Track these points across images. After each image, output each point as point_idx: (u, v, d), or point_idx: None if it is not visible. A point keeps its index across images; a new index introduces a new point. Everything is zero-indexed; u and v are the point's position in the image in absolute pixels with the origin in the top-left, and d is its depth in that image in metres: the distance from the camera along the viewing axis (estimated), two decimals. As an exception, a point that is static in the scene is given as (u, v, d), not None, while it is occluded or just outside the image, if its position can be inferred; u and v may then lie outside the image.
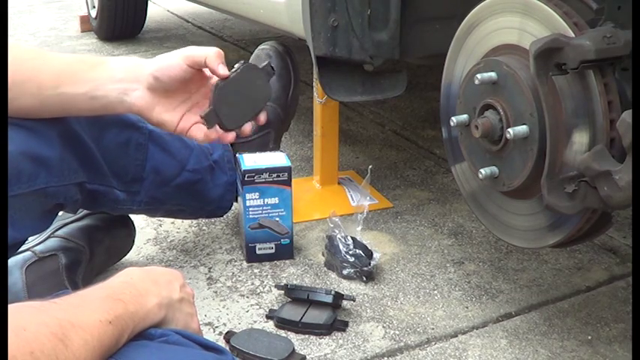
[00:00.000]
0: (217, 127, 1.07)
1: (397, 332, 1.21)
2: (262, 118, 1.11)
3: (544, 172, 0.93)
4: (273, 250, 1.42)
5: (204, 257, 1.44)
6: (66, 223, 1.31)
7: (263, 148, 1.49)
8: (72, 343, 0.65)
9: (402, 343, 1.18)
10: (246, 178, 1.37)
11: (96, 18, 3.34)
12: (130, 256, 1.42)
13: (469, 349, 1.17)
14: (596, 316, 1.25)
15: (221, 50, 1.04)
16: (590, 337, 1.19)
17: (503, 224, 1.11)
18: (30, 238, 1.24)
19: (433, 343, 1.19)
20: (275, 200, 1.39)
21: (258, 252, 1.42)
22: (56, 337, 0.64)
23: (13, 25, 3.67)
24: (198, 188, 1.36)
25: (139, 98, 1.03)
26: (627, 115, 0.83)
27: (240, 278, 1.37)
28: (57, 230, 1.29)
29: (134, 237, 1.43)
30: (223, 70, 1.03)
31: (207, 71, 1.08)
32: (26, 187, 1.05)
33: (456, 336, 1.21)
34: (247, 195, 1.38)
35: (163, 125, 1.07)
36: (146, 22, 3.38)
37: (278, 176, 1.38)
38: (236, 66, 1.06)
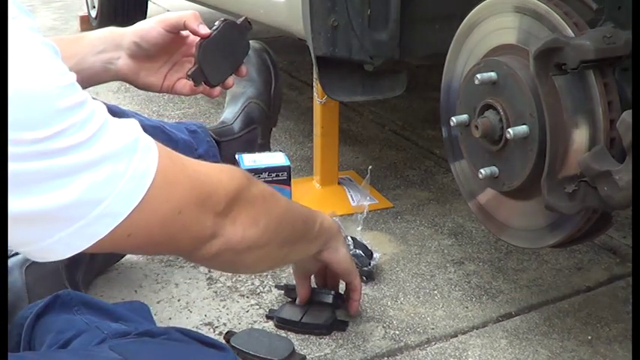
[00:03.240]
0: (203, 83, 1.12)
1: (397, 332, 1.21)
2: (243, 70, 1.17)
3: (544, 172, 0.93)
4: (273, 250, 1.42)
5: (204, 257, 1.44)
6: None
7: (251, 143, 1.50)
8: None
9: (402, 343, 1.18)
10: None
11: (96, 18, 3.34)
12: (130, 255, 1.42)
13: (469, 349, 1.17)
14: (596, 316, 1.25)
15: (196, 12, 1.09)
16: (590, 337, 1.19)
17: (504, 224, 1.11)
18: None
19: (433, 343, 1.19)
20: (275, 200, 1.39)
21: None
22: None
23: (13, 25, 3.67)
24: None
25: (124, 65, 1.07)
26: (627, 115, 0.83)
27: (240, 278, 1.37)
28: None
29: None
30: (204, 30, 1.08)
31: (184, 32, 1.13)
32: None
33: (456, 336, 1.21)
34: None
35: (150, 87, 1.13)
36: (146, 22, 3.38)
37: (277, 175, 1.38)
38: (216, 24, 1.11)
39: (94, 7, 3.35)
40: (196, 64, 1.08)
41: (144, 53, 1.09)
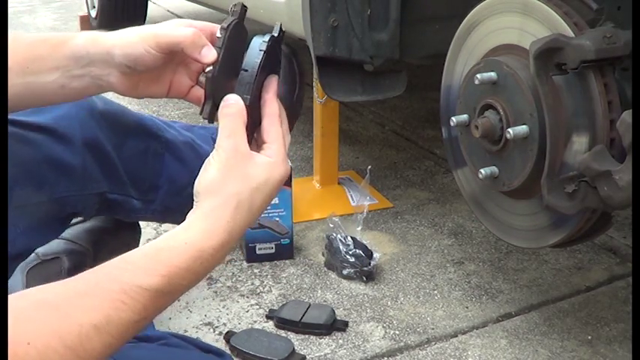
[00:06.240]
0: None
1: (397, 332, 1.21)
2: (274, 86, 0.96)
3: (544, 172, 0.93)
4: (273, 250, 1.42)
5: (204, 257, 1.44)
6: (72, 224, 1.28)
7: None
8: None
9: (402, 343, 1.18)
10: None
11: (96, 18, 3.34)
12: (130, 256, 1.42)
13: (469, 349, 1.17)
14: (596, 316, 1.25)
15: (195, 29, 0.84)
16: (590, 337, 1.19)
17: (504, 224, 1.11)
18: None
19: (433, 343, 1.19)
20: (275, 200, 1.39)
21: (258, 252, 1.42)
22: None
23: (13, 25, 3.67)
24: None
25: (117, 83, 0.89)
26: (627, 115, 0.83)
27: (240, 278, 1.37)
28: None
29: (139, 239, 1.42)
30: (209, 57, 0.83)
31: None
32: (47, 196, 1.04)
33: (456, 336, 1.21)
34: None
35: (153, 97, 0.99)
36: (146, 22, 3.38)
37: None
38: (219, 34, 0.84)
39: (94, 7, 3.35)
40: (208, 99, 0.82)
41: (138, 72, 0.89)
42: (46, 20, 3.87)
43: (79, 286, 0.64)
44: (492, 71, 1.00)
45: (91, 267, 1.33)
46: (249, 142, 0.77)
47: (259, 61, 0.80)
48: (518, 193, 1.04)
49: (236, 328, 1.21)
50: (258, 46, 0.80)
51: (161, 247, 0.69)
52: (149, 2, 3.35)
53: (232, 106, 0.77)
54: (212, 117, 0.87)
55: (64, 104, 1.18)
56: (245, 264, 1.42)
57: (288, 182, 1.39)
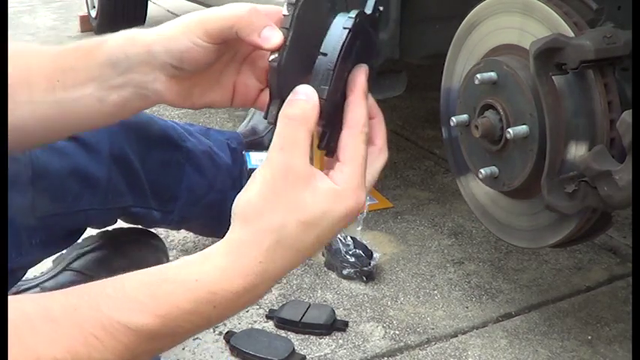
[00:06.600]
0: None
1: (397, 332, 1.21)
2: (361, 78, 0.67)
3: (544, 172, 0.93)
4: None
5: (204, 257, 1.44)
6: (82, 254, 1.20)
7: None
8: None
9: (402, 343, 1.18)
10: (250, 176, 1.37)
11: (96, 18, 3.34)
12: (130, 256, 1.42)
13: (469, 349, 1.17)
14: (596, 316, 1.25)
15: (252, 7, 0.65)
16: (590, 337, 1.19)
17: (504, 224, 1.11)
18: (42, 270, 1.16)
19: (433, 343, 1.19)
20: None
21: None
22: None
23: (13, 25, 3.67)
24: (222, 208, 1.36)
25: (166, 90, 0.70)
26: (627, 115, 0.83)
27: (240, 278, 1.37)
28: (72, 262, 1.18)
29: (165, 257, 1.28)
30: (273, 39, 0.60)
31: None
32: (68, 208, 1.02)
33: (456, 336, 1.21)
34: None
35: (212, 106, 0.75)
36: (146, 21, 3.38)
37: None
38: (285, 11, 0.60)
39: (94, 7, 3.35)
40: (274, 97, 0.61)
41: (190, 71, 0.69)
42: (46, 20, 3.87)
43: (52, 308, 0.52)
44: (492, 71, 1.00)
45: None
46: (327, 152, 0.59)
47: (343, 41, 0.59)
48: (518, 193, 1.04)
49: (236, 328, 1.21)
50: (342, 23, 0.59)
51: (166, 278, 0.55)
52: (149, 2, 3.35)
53: (298, 104, 0.56)
54: (276, 119, 0.61)
55: None
56: (245, 264, 1.42)
57: None
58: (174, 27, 0.68)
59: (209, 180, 1.30)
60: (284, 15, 0.60)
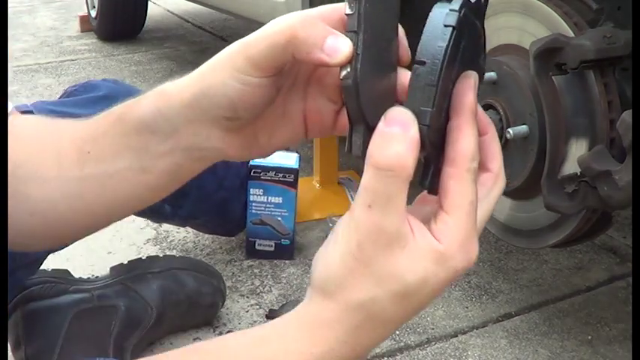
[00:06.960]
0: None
1: (397, 332, 1.21)
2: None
3: (544, 172, 0.93)
4: (272, 249, 1.42)
5: (204, 257, 1.44)
6: (142, 274, 1.16)
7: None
8: None
9: (402, 343, 1.18)
10: (252, 173, 1.38)
11: (96, 18, 3.34)
12: (130, 256, 1.42)
13: (469, 349, 1.17)
14: (596, 316, 1.25)
15: (305, 16, 0.51)
16: (590, 337, 1.19)
17: (504, 224, 1.11)
18: (95, 272, 1.15)
19: (433, 343, 1.19)
20: (279, 200, 1.39)
21: (257, 247, 1.42)
22: None
23: (13, 25, 3.67)
24: (228, 207, 1.37)
25: (226, 147, 0.58)
26: (627, 115, 0.83)
27: (240, 278, 1.37)
28: (129, 280, 1.14)
29: (221, 299, 1.23)
30: (341, 51, 0.46)
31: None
32: None
33: (456, 336, 1.20)
34: (251, 190, 1.39)
35: (285, 147, 0.61)
36: (146, 21, 3.38)
37: (284, 177, 1.39)
38: (348, 10, 0.45)
39: (94, 7, 3.35)
40: (355, 123, 0.47)
41: (247, 119, 0.55)
42: (46, 20, 3.87)
43: None
44: (492, 71, 1.00)
45: (147, 331, 1.13)
46: (430, 190, 0.46)
47: (446, 45, 0.43)
48: (518, 193, 1.04)
49: (236, 328, 1.21)
50: (442, 19, 0.44)
51: (226, 344, 0.49)
52: (149, 2, 3.35)
53: (391, 145, 0.42)
54: (356, 148, 0.47)
55: (111, 95, 1.08)
56: (245, 264, 1.42)
57: (294, 184, 1.39)
58: (212, 66, 0.54)
59: (219, 178, 1.31)
60: (346, 14, 0.45)
